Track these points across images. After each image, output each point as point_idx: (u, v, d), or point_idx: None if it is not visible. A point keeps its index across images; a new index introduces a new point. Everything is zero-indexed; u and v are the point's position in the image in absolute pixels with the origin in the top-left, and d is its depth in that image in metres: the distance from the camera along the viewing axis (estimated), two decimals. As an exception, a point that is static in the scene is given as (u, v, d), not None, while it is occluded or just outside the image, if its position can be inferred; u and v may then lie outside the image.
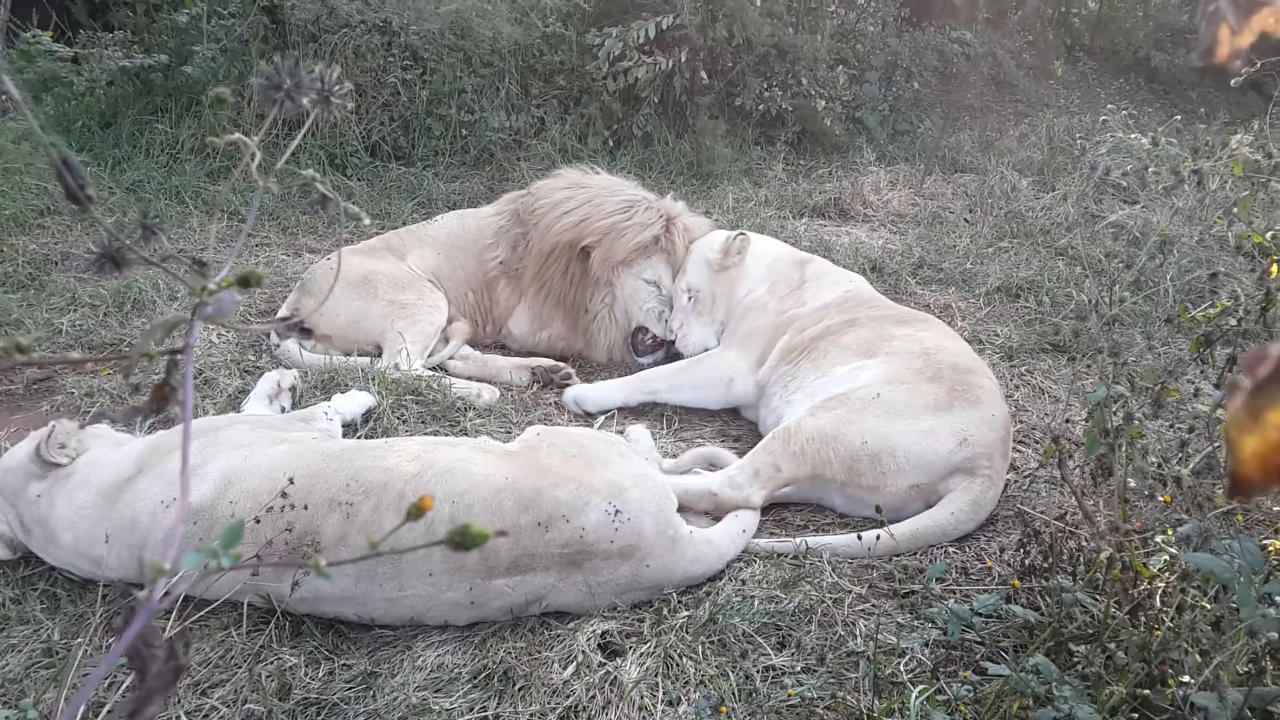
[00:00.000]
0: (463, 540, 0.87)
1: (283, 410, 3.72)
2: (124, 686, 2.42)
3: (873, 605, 2.85)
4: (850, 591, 2.90)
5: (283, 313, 4.48)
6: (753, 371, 4.05)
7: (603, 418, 4.01)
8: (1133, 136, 6.97)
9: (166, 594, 0.84)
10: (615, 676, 2.54)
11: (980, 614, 2.65)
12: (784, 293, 4.22)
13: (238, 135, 1.02)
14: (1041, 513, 3.11)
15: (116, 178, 6.36)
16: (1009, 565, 3.00)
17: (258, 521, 2.60)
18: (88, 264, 0.95)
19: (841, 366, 3.66)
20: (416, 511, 0.91)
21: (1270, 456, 0.64)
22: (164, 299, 4.81)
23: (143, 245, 0.97)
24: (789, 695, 2.47)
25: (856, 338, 3.77)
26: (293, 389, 3.88)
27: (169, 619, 2.55)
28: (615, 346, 4.54)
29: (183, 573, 2.42)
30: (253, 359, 4.29)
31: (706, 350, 4.28)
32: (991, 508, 3.29)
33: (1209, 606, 2.25)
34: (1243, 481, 0.66)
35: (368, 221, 1.12)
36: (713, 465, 3.57)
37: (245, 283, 0.97)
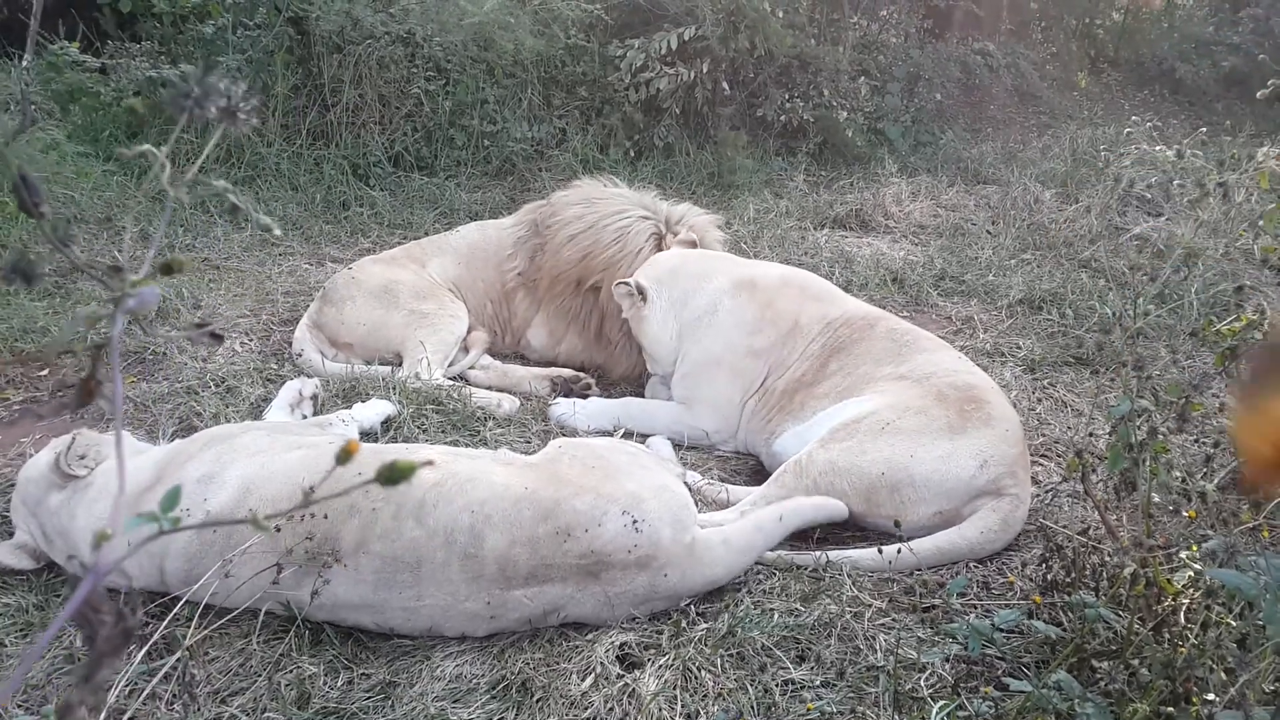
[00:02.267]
0: (390, 476, 0.91)
1: (304, 419, 3.74)
2: (144, 693, 2.43)
3: (893, 619, 2.83)
4: (870, 605, 2.88)
5: (304, 322, 4.51)
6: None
7: (622, 430, 4.00)
8: (1157, 149, 6.95)
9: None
10: (633, 689, 2.53)
11: (1002, 629, 2.63)
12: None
13: (147, 147, 1.04)
14: (1064, 527, 3.09)
15: (142, 187, 6.41)
16: (1031, 580, 2.97)
17: (278, 529, 2.61)
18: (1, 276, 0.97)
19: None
20: (344, 456, 0.95)
21: (1274, 452, 0.64)
22: (188, 308, 4.85)
23: (57, 254, 0.99)
24: (808, 709, 2.46)
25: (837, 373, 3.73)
26: (314, 397, 3.90)
27: (189, 626, 2.56)
28: (637, 366, 4.51)
29: (205, 578, 2.42)
30: (275, 367, 4.31)
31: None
32: (1020, 526, 3.25)
33: (1234, 623, 2.23)
34: (1254, 480, 0.66)
35: (278, 232, 1.14)
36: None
37: (168, 270, 0.99)
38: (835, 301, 3.96)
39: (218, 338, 1.13)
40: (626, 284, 4.05)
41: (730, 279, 3.99)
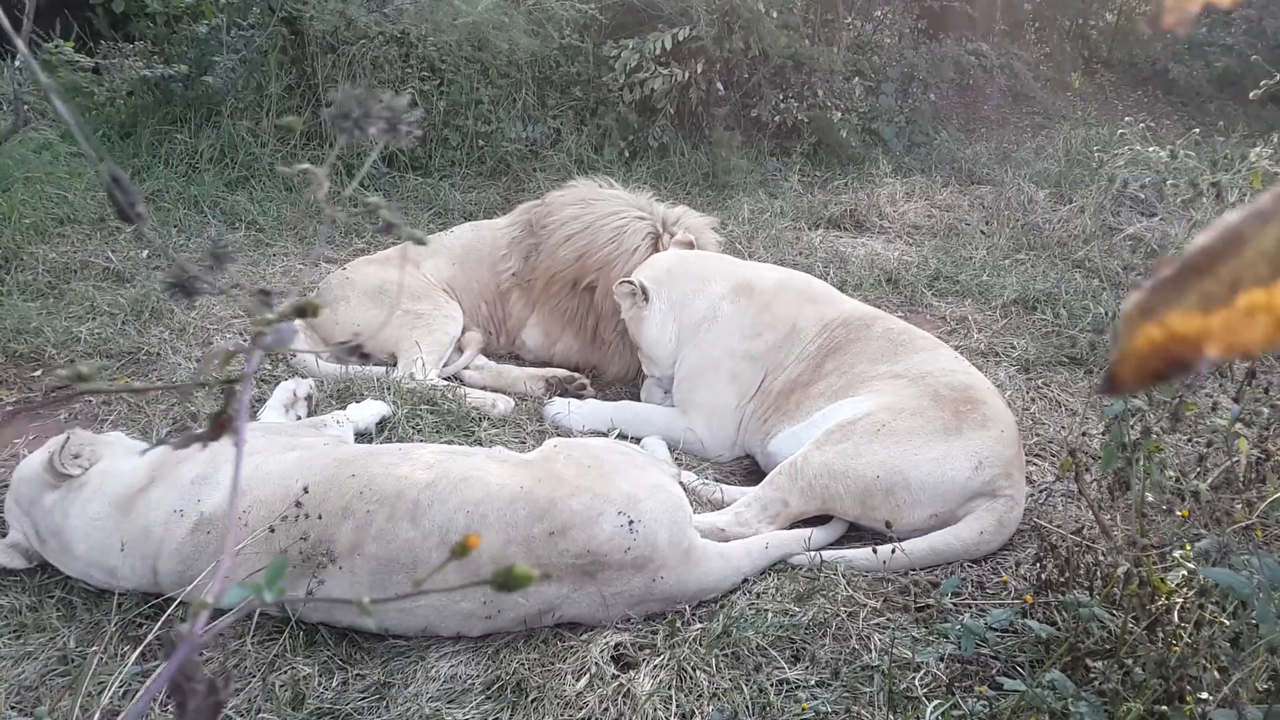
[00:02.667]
0: (506, 582, 0.87)
1: (298, 419, 3.73)
2: (138, 695, 2.43)
3: (888, 619, 2.84)
4: (865, 605, 2.89)
5: (298, 322, 4.49)
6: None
7: (617, 431, 4.00)
8: (1151, 149, 6.95)
9: (208, 628, 0.85)
10: (628, 689, 2.53)
11: (996, 629, 2.63)
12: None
13: (308, 165, 1.04)
14: (1058, 527, 3.09)
15: (136, 186, 6.39)
16: (1025, 580, 2.98)
17: (272, 530, 2.60)
18: (163, 289, 0.98)
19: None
20: (461, 550, 0.90)
21: (1151, 357, 0.65)
22: (181, 308, 4.83)
23: (213, 274, 0.98)
24: (803, 709, 2.46)
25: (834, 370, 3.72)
26: (308, 398, 3.89)
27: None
28: (632, 367, 4.51)
29: (199, 579, 2.41)
30: (269, 367, 4.30)
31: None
32: (1015, 526, 3.26)
33: (1228, 622, 2.23)
34: (1117, 378, 0.67)
35: (428, 243, 1.15)
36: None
37: (302, 313, 0.98)
38: (833, 303, 3.96)
39: (365, 356, 1.13)
40: (630, 283, 4.03)
41: (730, 283, 3.99)
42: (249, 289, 0.98)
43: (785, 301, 3.92)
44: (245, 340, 4.37)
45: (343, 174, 6.94)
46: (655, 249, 4.41)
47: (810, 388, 3.67)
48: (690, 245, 4.37)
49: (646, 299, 4.01)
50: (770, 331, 3.86)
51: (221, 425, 1.00)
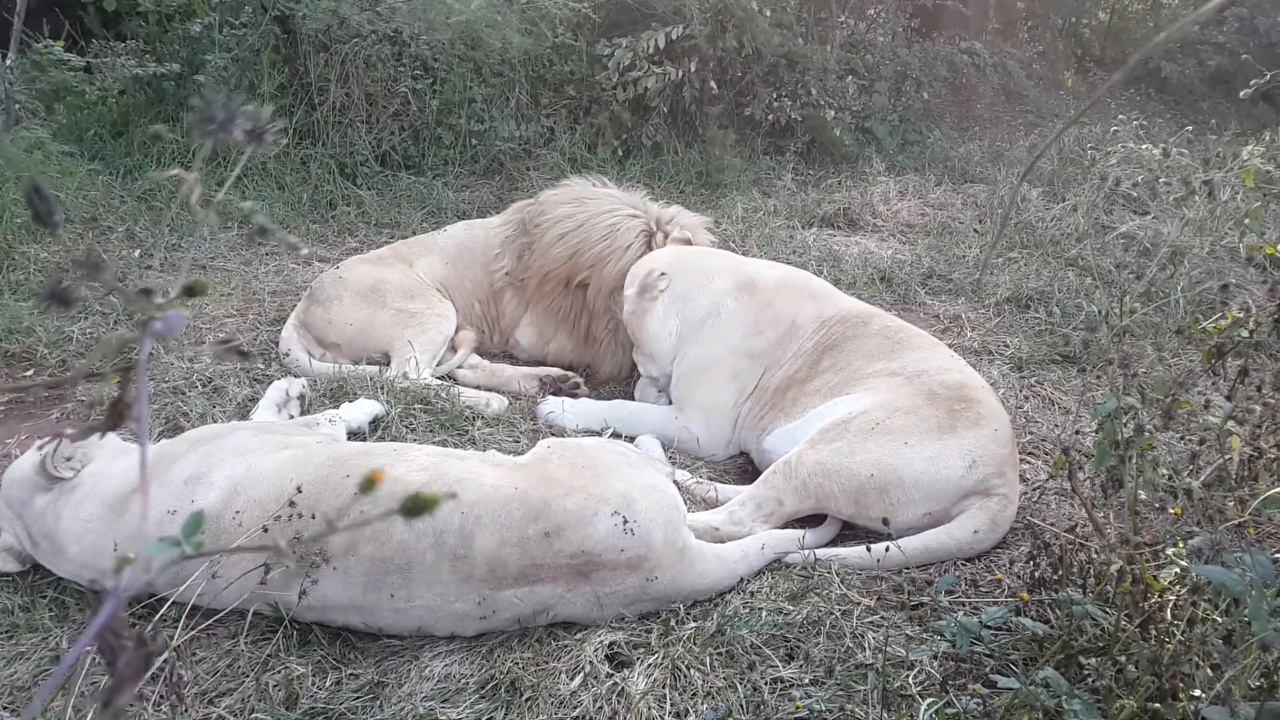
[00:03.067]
0: (413, 508, 0.90)
1: (290, 418, 3.72)
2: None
3: (881, 617, 2.84)
4: (859, 603, 2.89)
5: (291, 322, 4.49)
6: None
7: (611, 430, 3.99)
8: (1143, 147, 6.97)
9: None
10: (623, 688, 2.53)
11: (989, 626, 2.63)
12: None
13: (178, 170, 1.04)
14: (1051, 525, 3.10)
15: (128, 187, 6.38)
16: (1018, 577, 2.98)
17: (265, 530, 2.60)
18: (38, 301, 0.99)
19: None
20: (367, 484, 0.94)
21: None
22: (58, 317, 4.79)
23: (91, 280, 0.99)
24: (797, 707, 2.46)
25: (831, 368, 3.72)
26: (301, 397, 3.89)
27: (176, 627, 2.55)
28: (625, 366, 4.52)
29: (193, 579, 2.41)
30: (261, 367, 4.29)
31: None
32: (1008, 525, 3.26)
33: (1220, 620, 2.24)
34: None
35: (305, 251, 1.15)
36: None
37: (191, 292, 0.99)
38: (831, 300, 3.96)
39: (244, 354, 1.14)
40: (650, 271, 4.04)
41: (733, 279, 3.98)
42: (126, 290, 0.99)
43: (786, 299, 3.92)
44: (210, 336, 4.35)
45: (336, 174, 6.94)
46: (649, 247, 4.41)
47: (807, 384, 3.67)
48: (688, 243, 4.37)
49: (655, 297, 4.01)
50: (772, 329, 3.86)
51: (120, 414, 1.01)
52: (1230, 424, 2.83)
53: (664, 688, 2.53)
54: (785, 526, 3.28)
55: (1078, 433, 4.00)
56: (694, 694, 2.52)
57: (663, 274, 4.01)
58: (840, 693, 2.54)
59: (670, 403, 4.12)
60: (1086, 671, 2.31)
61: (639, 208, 4.56)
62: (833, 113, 8.71)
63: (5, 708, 2.46)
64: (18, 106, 6.43)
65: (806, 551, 3.11)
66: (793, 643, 2.73)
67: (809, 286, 4.03)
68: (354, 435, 3.64)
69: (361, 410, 3.75)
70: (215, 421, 3.67)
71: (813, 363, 3.73)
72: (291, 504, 2.60)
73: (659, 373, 4.14)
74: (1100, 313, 5.12)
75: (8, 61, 6.60)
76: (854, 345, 3.70)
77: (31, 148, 6.03)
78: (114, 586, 0.87)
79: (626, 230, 4.44)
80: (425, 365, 4.27)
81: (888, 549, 3.01)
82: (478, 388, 4.32)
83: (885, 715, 2.43)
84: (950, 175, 8.58)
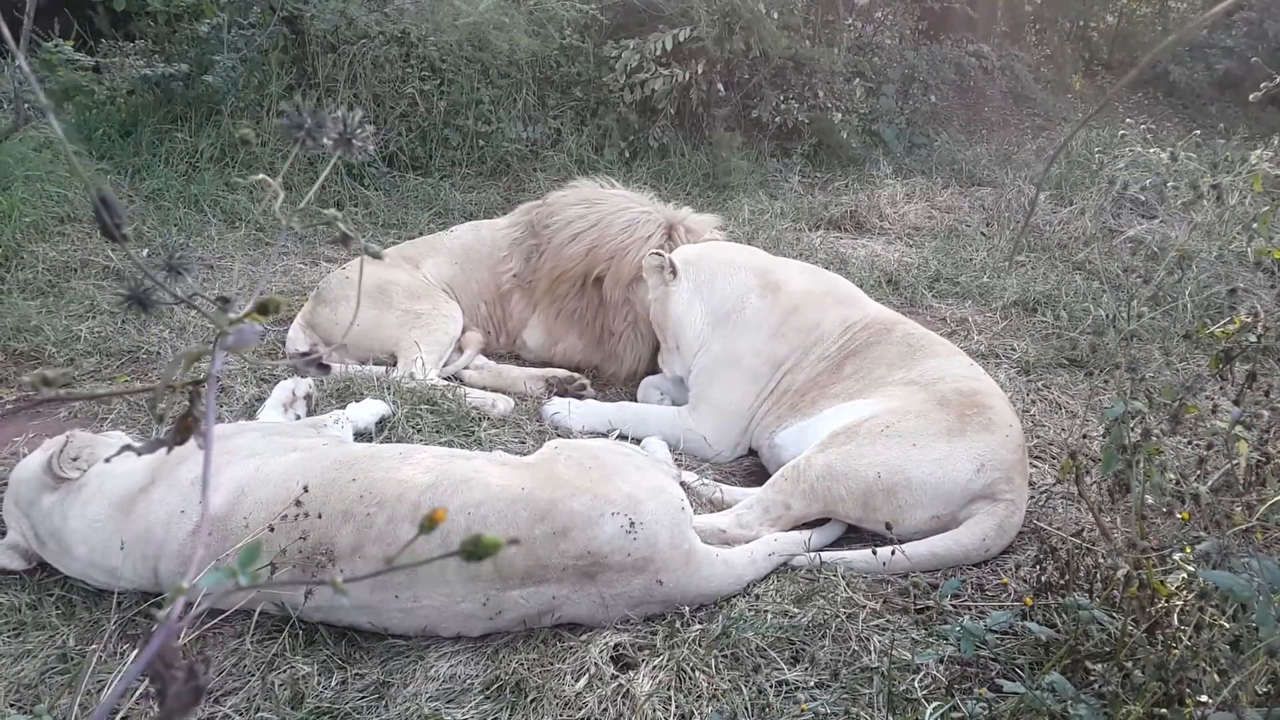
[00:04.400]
0: (475, 550, 0.87)
1: (297, 419, 3.73)
2: (137, 693, 2.43)
3: (887, 621, 2.84)
4: (865, 607, 2.89)
5: (298, 322, 4.50)
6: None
7: (617, 431, 3.99)
8: (1151, 151, 6.95)
9: (187, 611, 0.84)
10: (628, 689, 2.53)
11: (995, 631, 2.63)
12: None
13: (263, 176, 1.04)
14: (1058, 529, 3.09)
15: (136, 186, 6.40)
16: (1025, 582, 2.98)
17: (271, 530, 2.60)
18: (116, 304, 0.98)
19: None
20: (429, 524, 0.91)
21: None
22: (181, 308, 4.82)
23: (170, 284, 0.98)
24: (802, 710, 2.46)
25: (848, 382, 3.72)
26: (308, 397, 3.89)
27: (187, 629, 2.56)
28: (643, 361, 4.51)
29: (199, 578, 2.42)
30: (268, 367, 4.30)
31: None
32: (1015, 531, 3.25)
33: (1227, 625, 2.23)
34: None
35: (386, 259, 1.15)
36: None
37: (264, 310, 0.98)
38: (858, 304, 3.96)
39: (325, 368, 1.13)
40: (659, 254, 4.04)
41: (759, 277, 3.98)
42: (206, 297, 0.98)
43: (814, 303, 3.90)
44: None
45: (343, 174, 6.94)
46: (669, 240, 4.41)
47: (829, 389, 3.67)
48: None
49: (675, 273, 4.01)
50: (796, 335, 3.85)
51: (187, 427, 1.00)
52: (1238, 429, 2.82)
53: (669, 689, 2.53)
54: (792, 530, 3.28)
55: (1085, 437, 3.99)
56: (699, 696, 2.52)
57: (672, 261, 4.03)
58: (845, 696, 2.54)
59: (674, 404, 4.12)
60: (1093, 677, 2.31)
61: (651, 206, 4.58)
62: (840, 115, 8.71)
63: (13, 705, 2.47)
64: (27, 106, 6.45)
65: (812, 554, 3.11)
66: (798, 645, 2.73)
67: (836, 290, 4.01)
68: (360, 435, 3.65)
69: (368, 411, 3.75)
70: (222, 421, 3.68)
71: (835, 367, 3.73)
72: (298, 503, 2.61)
73: (682, 368, 4.10)
74: (1108, 317, 5.08)
75: (17, 61, 6.62)
76: (876, 352, 3.70)
77: (40, 147, 6.05)
78: (165, 616, 0.87)
79: (646, 223, 4.45)
80: (431, 366, 4.27)
81: (893, 552, 3.00)
82: (484, 389, 4.32)
83: (890, 719, 2.42)
84: (958, 178, 8.57)
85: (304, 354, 1.06)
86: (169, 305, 0.97)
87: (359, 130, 1.07)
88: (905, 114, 9.64)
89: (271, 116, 6.95)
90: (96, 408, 3.89)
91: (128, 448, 1.02)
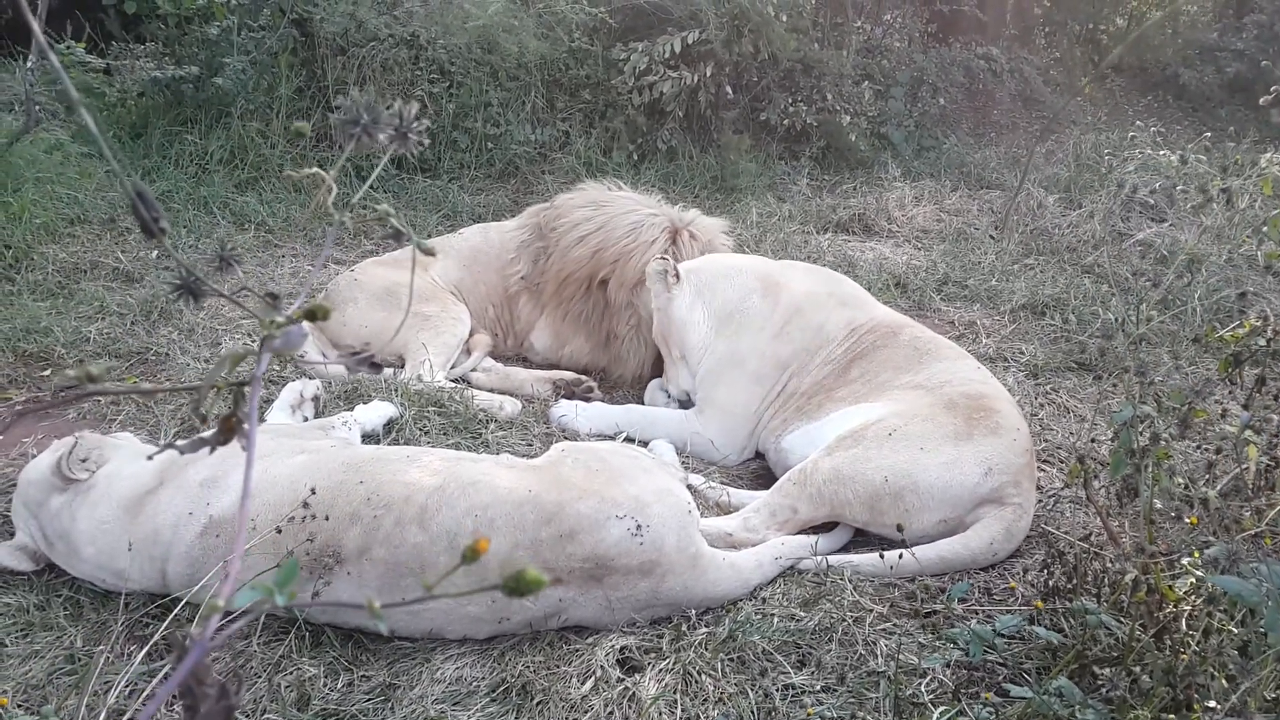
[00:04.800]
0: (517, 587, 0.87)
1: (305, 420, 3.74)
2: (144, 694, 2.43)
3: (894, 624, 2.83)
4: (871, 610, 2.88)
5: (305, 324, 4.50)
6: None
7: (624, 434, 3.99)
8: (1161, 154, 6.94)
9: (220, 629, 0.84)
10: (634, 692, 2.53)
11: (1003, 635, 2.63)
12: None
13: (315, 169, 1.04)
14: (1066, 533, 3.08)
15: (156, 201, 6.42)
16: (1032, 586, 2.97)
17: (279, 531, 2.61)
18: (168, 292, 0.97)
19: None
20: (471, 555, 0.90)
21: None
22: (190, 309, 4.85)
23: (219, 277, 0.98)
24: (808, 714, 2.46)
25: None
26: (316, 398, 3.90)
27: (189, 627, 2.56)
28: (647, 364, 4.52)
29: (206, 579, 2.41)
30: (277, 368, 4.31)
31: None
32: (1023, 535, 3.24)
33: (1236, 630, 2.22)
34: None
35: (438, 255, 1.14)
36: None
37: (312, 316, 0.97)
38: (863, 307, 3.95)
39: (376, 366, 1.13)
40: (665, 260, 4.05)
41: (762, 280, 3.98)
42: (256, 292, 0.97)
43: (817, 305, 3.90)
44: (254, 341, 4.38)
45: (352, 176, 6.96)
46: (674, 243, 4.42)
47: (834, 392, 3.67)
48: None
49: (678, 277, 4.01)
50: (800, 335, 3.84)
51: (230, 428, 1.00)
52: (1247, 433, 2.81)
53: (675, 693, 2.53)
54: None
55: (1093, 441, 3.98)
56: (705, 700, 2.52)
57: (675, 266, 4.04)
58: (852, 700, 2.53)
59: (681, 407, 4.12)
60: (1100, 681, 2.30)
61: (658, 209, 4.58)
62: (848, 118, 8.70)
63: (20, 706, 2.47)
64: (38, 108, 6.47)
65: (819, 558, 3.10)
66: (804, 649, 2.73)
67: (840, 292, 4.00)
68: (368, 438, 3.65)
69: (376, 413, 3.76)
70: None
71: (842, 370, 3.72)
72: (305, 505, 2.61)
73: (688, 381, 4.09)
74: (1117, 320, 5.10)
75: (29, 64, 6.65)
76: (883, 355, 3.69)
77: (51, 149, 6.08)
78: (198, 633, 0.87)
79: (650, 227, 4.45)
80: (439, 368, 4.28)
81: (901, 556, 3.00)
82: (491, 391, 4.33)
83: (897, 723, 2.42)
84: (966, 181, 8.55)
85: (355, 352, 1.06)
86: (218, 297, 0.97)
87: (415, 124, 1.08)
88: (914, 117, 9.63)
89: (281, 118, 6.97)
90: (106, 409, 3.90)
91: (171, 446, 1.02)
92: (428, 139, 1.08)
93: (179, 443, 1.03)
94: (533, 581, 0.87)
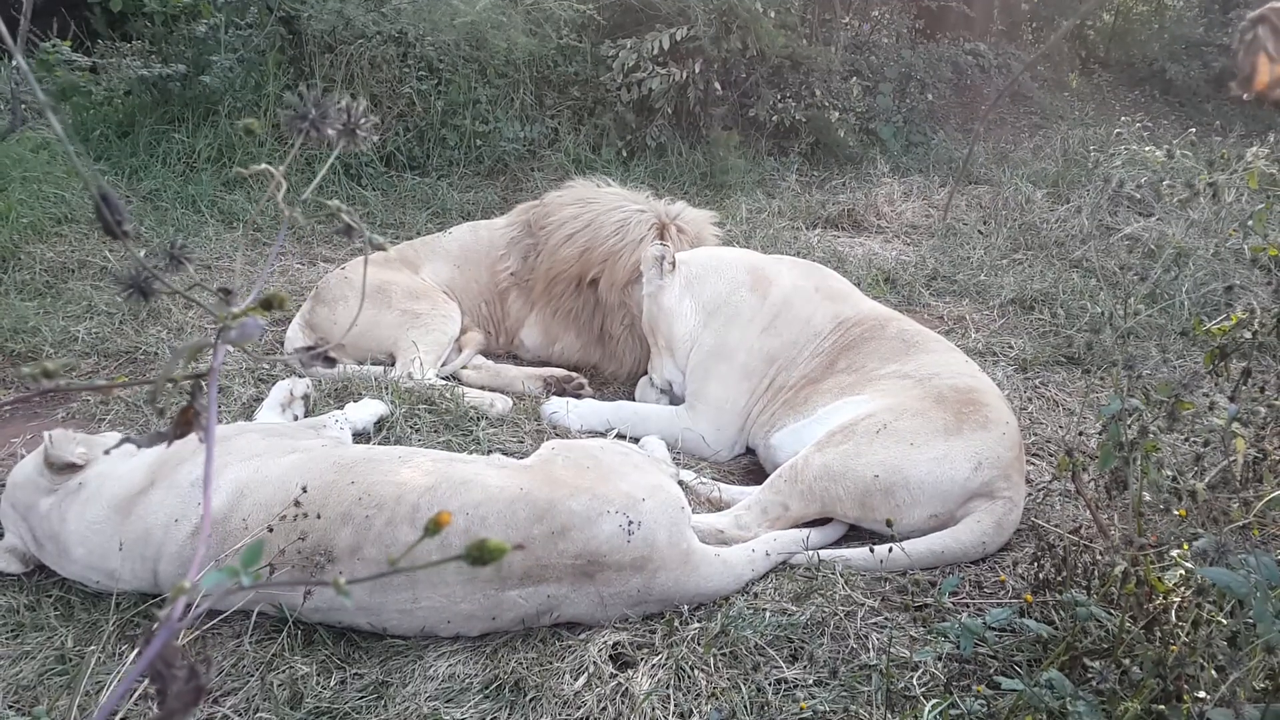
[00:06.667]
0: (480, 555, 0.87)
1: (295, 419, 3.73)
2: (136, 694, 2.43)
3: (885, 618, 2.84)
4: (863, 604, 2.89)
5: (296, 322, 4.50)
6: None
7: (615, 431, 3.99)
8: (1147, 149, 6.96)
9: (186, 611, 0.84)
10: (626, 688, 2.53)
11: (994, 628, 2.64)
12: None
13: (265, 166, 1.03)
14: (1056, 526, 3.10)
15: (134, 186, 6.40)
16: (1023, 579, 2.98)
17: (270, 531, 2.60)
18: (117, 292, 0.96)
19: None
20: (434, 527, 0.91)
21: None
22: (179, 307, 4.83)
23: (170, 274, 0.98)
24: (801, 708, 2.46)
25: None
26: (305, 397, 3.89)
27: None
28: (641, 362, 4.51)
29: (199, 578, 2.42)
30: (266, 367, 4.30)
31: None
32: (1013, 529, 3.26)
33: (1225, 622, 2.23)
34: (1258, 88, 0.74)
35: (391, 251, 1.14)
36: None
37: (268, 305, 0.97)
38: (849, 300, 3.96)
39: (330, 361, 1.13)
40: (665, 245, 4.07)
41: (750, 273, 3.99)
42: (209, 287, 0.98)
43: (803, 299, 3.91)
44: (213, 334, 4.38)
45: (340, 173, 6.94)
46: (661, 239, 4.42)
47: (820, 384, 3.68)
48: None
49: (674, 265, 4.02)
50: (788, 329, 3.86)
51: (188, 421, 1.00)
52: (1235, 425, 2.82)
53: (668, 688, 2.53)
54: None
55: (1082, 434, 4.00)
56: (698, 695, 2.53)
57: (671, 256, 4.05)
58: (844, 694, 2.54)
59: (672, 404, 4.12)
60: (1091, 673, 2.31)
61: (645, 204, 4.57)
62: (837, 114, 8.71)
63: (11, 707, 2.47)
64: (24, 107, 6.45)
65: (810, 553, 3.11)
66: (797, 644, 2.74)
67: (826, 285, 4.01)
68: (359, 436, 3.65)
69: (366, 411, 3.75)
70: (222, 421, 3.68)
71: (829, 363, 3.73)
72: (297, 504, 2.61)
73: (672, 371, 4.11)
74: (1105, 314, 5.11)
75: (14, 62, 6.61)
76: (870, 348, 3.70)
77: (38, 148, 6.05)
78: (166, 616, 0.87)
79: (637, 224, 4.45)
80: (430, 366, 4.27)
81: (891, 550, 3.01)
82: (482, 388, 4.32)
83: (889, 716, 2.43)
84: (954, 176, 8.57)
85: (309, 348, 1.06)
86: (169, 295, 0.97)
87: (363, 120, 1.08)
88: (902, 112, 9.64)
89: (269, 116, 6.95)
90: (95, 409, 3.89)
91: (127, 440, 1.02)
92: (376, 136, 1.08)
93: (134, 436, 1.02)
94: (494, 550, 0.87)
